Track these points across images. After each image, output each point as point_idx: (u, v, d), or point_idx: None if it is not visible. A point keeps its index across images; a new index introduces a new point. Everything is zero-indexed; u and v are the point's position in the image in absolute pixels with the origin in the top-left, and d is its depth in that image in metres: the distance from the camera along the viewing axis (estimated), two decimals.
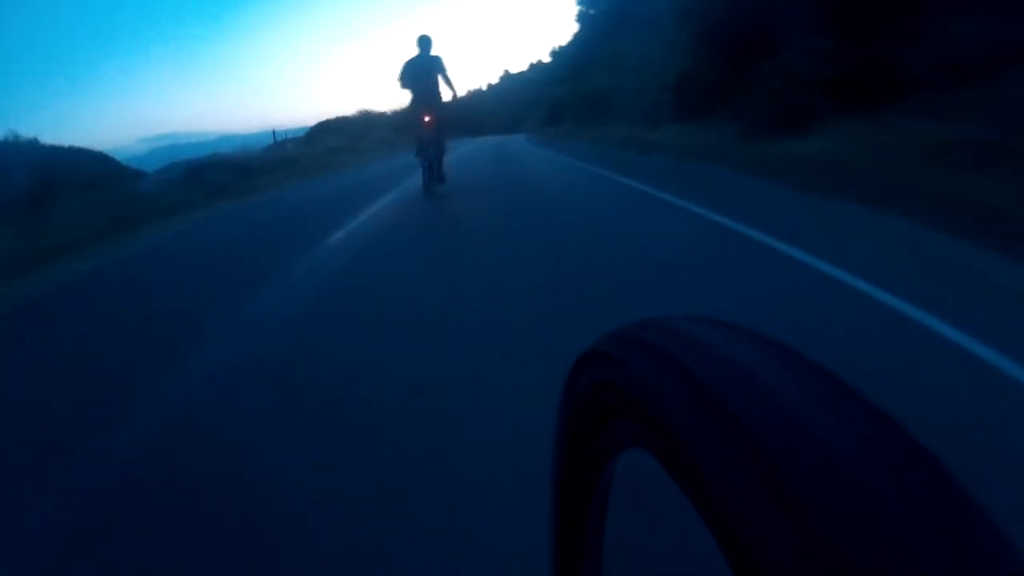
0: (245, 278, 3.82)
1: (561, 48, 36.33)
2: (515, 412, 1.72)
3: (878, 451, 0.16)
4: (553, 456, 0.33)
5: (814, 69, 6.71)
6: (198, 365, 2.40)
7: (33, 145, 12.12)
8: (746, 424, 0.17)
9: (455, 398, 1.89)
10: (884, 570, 0.14)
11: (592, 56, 21.10)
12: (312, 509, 1.41)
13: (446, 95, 6.29)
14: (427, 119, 6.16)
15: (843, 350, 1.93)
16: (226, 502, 1.49)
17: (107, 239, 6.26)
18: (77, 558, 1.37)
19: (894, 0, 6.06)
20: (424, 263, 3.76)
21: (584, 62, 22.38)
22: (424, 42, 6.09)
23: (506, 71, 55.25)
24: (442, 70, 6.13)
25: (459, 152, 12.83)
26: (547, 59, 41.81)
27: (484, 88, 54.39)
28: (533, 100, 33.07)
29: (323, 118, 26.69)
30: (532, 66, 47.01)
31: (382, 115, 25.08)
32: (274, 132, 15.95)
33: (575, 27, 29.53)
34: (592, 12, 24.90)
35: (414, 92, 6.19)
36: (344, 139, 19.90)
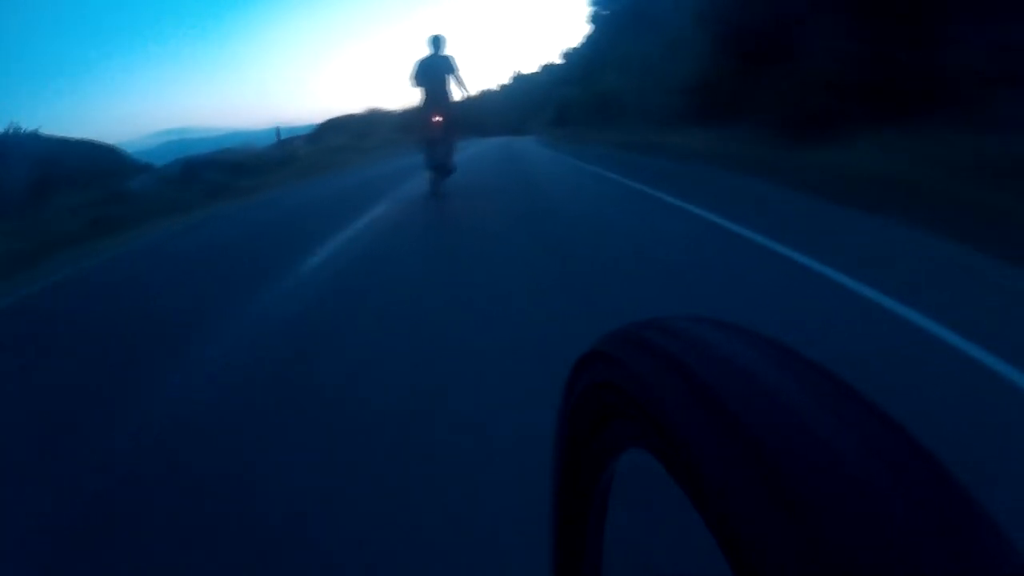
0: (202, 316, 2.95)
1: (573, 49, 36.30)
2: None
3: (879, 451, 0.16)
4: (553, 456, 0.33)
5: (842, 74, 6.37)
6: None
7: (34, 138, 11.96)
8: (746, 424, 0.17)
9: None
10: (885, 570, 0.14)
11: (604, 57, 21.01)
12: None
13: (457, 95, 6.31)
14: (437, 119, 6.16)
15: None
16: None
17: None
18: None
19: (931, 4, 5.74)
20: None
21: (595, 63, 22.30)
22: (436, 41, 6.11)
23: (518, 72, 55.25)
24: (454, 70, 6.15)
25: (468, 152, 12.82)
26: (559, 60, 41.80)
27: (496, 88, 54.47)
28: (542, 101, 33.06)
29: (332, 115, 26.79)
30: (543, 67, 47.00)
31: (389, 114, 25.06)
32: (278, 130, 15.86)
33: (588, 28, 29.50)
34: (606, 13, 24.80)
35: (426, 91, 6.20)
36: (348, 137, 19.88)
